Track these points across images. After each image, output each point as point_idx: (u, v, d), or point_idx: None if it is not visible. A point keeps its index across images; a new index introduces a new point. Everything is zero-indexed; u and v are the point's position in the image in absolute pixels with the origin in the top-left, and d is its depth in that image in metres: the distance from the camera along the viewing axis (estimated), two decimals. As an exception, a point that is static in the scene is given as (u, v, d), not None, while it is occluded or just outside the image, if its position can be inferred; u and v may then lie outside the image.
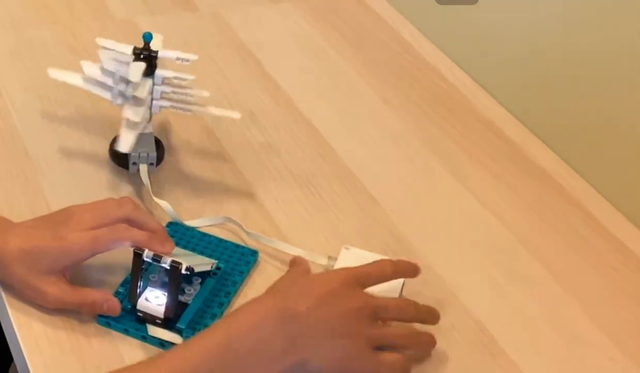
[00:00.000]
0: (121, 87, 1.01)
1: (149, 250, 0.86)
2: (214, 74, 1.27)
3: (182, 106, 1.04)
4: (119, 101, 1.02)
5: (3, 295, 0.89)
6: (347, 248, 0.96)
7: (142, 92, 1.00)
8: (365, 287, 0.86)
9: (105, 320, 0.86)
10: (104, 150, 1.09)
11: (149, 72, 1.02)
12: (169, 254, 0.87)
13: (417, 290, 0.96)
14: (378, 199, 1.08)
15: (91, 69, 1.04)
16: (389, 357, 0.83)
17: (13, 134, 1.10)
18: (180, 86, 1.03)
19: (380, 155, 1.17)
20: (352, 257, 0.94)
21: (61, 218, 0.89)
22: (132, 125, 1.00)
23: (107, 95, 1.03)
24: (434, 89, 1.32)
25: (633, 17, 1.09)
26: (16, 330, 0.86)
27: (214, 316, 0.88)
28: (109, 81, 1.03)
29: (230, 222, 1.00)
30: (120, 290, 0.90)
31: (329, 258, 0.96)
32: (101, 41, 1.04)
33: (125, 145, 0.99)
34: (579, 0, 1.17)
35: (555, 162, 1.20)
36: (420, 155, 1.18)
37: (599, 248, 1.07)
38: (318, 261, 0.96)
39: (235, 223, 1.00)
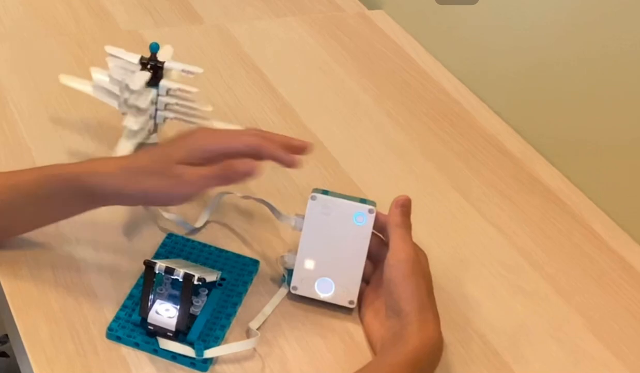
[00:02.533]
0: (126, 95, 1.02)
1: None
2: (218, 86, 1.28)
3: (186, 118, 1.05)
4: (124, 109, 1.03)
5: (9, 301, 0.89)
6: (314, 199, 0.94)
7: (144, 102, 1.01)
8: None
9: (115, 334, 0.87)
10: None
11: (154, 82, 1.02)
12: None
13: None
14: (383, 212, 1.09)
15: (100, 77, 1.04)
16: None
17: (20, 142, 1.10)
18: (184, 98, 1.04)
19: (384, 169, 1.18)
20: (319, 211, 0.93)
21: None
22: (130, 134, 1.01)
23: (114, 103, 1.04)
24: (437, 104, 1.32)
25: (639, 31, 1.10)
26: (22, 337, 0.86)
27: (223, 328, 0.89)
28: (116, 89, 1.03)
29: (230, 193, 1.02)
30: (127, 303, 0.90)
31: (297, 215, 0.95)
32: (109, 49, 1.04)
33: (122, 153, 1.00)
34: (582, 16, 1.17)
35: (559, 179, 1.20)
36: (424, 170, 1.19)
37: (602, 264, 1.08)
38: (286, 221, 0.96)
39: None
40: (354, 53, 1.42)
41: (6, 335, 1.28)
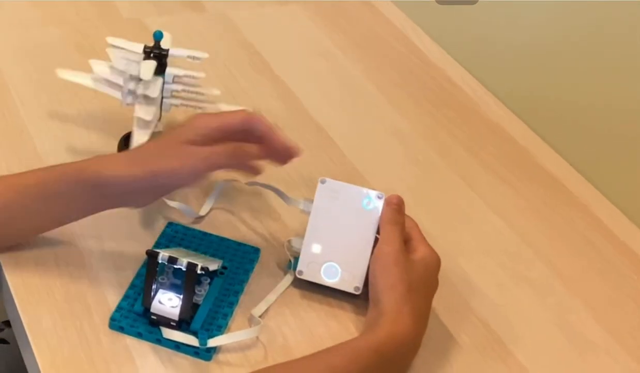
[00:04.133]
0: (131, 86, 1.01)
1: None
2: (221, 74, 1.27)
3: (193, 103, 1.05)
4: (129, 100, 1.02)
5: (12, 291, 0.89)
6: (323, 182, 0.95)
7: (154, 91, 1.00)
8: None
9: (118, 325, 0.86)
10: (112, 148, 1.09)
11: (160, 70, 1.02)
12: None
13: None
14: (386, 201, 1.08)
15: (100, 68, 1.04)
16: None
17: (22, 132, 1.10)
18: (190, 84, 1.03)
19: (387, 157, 1.17)
20: (328, 195, 0.94)
21: None
22: (144, 124, 1.00)
23: (117, 94, 1.03)
24: (441, 91, 1.32)
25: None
26: (25, 326, 0.86)
27: (225, 316, 0.88)
28: (119, 80, 1.03)
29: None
30: (130, 293, 0.90)
31: (305, 199, 0.96)
32: (111, 40, 1.04)
33: (138, 144, 0.99)
34: (586, 4, 1.17)
35: (563, 166, 1.20)
36: (427, 157, 1.18)
37: (606, 252, 1.07)
38: (296, 204, 0.97)
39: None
40: (358, 41, 1.41)
41: (5, 322, 1.28)
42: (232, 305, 0.90)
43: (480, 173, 1.17)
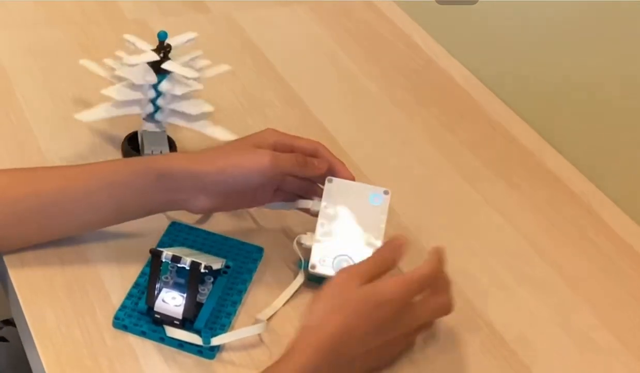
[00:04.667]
0: (150, 95, 1.01)
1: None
2: (225, 75, 1.27)
3: (177, 104, 1.04)
4: (149, 108, 1.02)
5: (16, 289, 0.89)
6: (330, 181, 0.96)
7: (136, 76, 0.99)
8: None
9: (122, 323, 0.87)
10: (117, 149, 1.09)
11: (159, 69, 1.01)
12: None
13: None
14: (390, 202, 1.08)
15: (118, 92, 1.02)
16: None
17: (27, 133, 1.10)
18: (183, 85, 1.02)
19: (391, 158, 1.18)
20: (336, 193, 0.95)
21: None
22: (201, 116, 1.02)
23: (135, 110, 1.03)
24: (445, 93, 1.32)
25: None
26: (29, 325, 0.86)
27: (229, 315, 0.89)
28: (137, 95, 1.01)
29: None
30: (133, 291, 0.90)
31: (313, 199, 0.97)
32: (129, 37, 1.03)
33: (85, 115, 1.01)
34: (589, 7, 1.17)
35: (566, 166, 1.20)
36: (431, 158, 1.18)
37: (609, 252, 1.07)
38: (304, 205, 0.97)
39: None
40: (362, 42, 1.41)
41: (5, 321, 1.28)
42: (235, 304, 0.91)
43: (484, 173, 1.17)
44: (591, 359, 0.93)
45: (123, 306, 0.88)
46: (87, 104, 1.15)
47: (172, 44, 1.02)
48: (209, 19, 1.42)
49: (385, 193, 0.95)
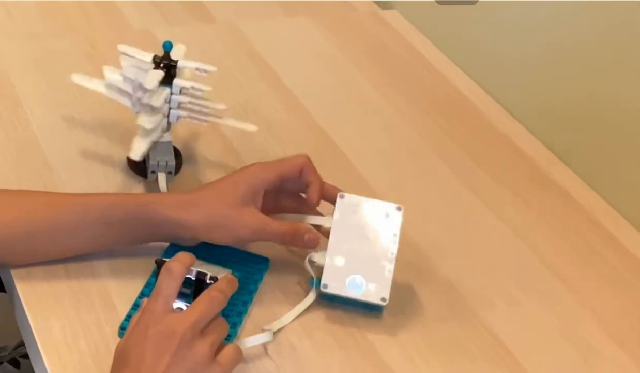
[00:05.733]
0: (139, 94, 1.02)
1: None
2: (231, 85, 1.28)
3: (198, 116, 1.05)
4: (137, 108, 1.02)
5: (23, 301, 0.89)
6: (342, 196, 0.95)
7: (157, 101, 1.00)
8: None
9: None
10: (122, 158, 1.09)
11: (168, 81, 1.02)
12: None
13: (433, 302, 0.96)
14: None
15: (113, 76, 1.04)
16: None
17: (32, 142, 1.11)
18: (197, 97, 1.04)
19: (396, 167, 1.18)
20: (348, 209, 0.94)
21: None
22: (144, 133, 1.01)
23: (127, 102, 1.03)
24: (450, 103, 1.32)
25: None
26: (35, 335, 0.86)
27: (234, 325, 0.89)
28: (130, 88, 1.03)
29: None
30: (139, 302, 0.90)
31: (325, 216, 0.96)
32: (122, 47, 1.04)
33: (136, 152, 1.00)
34: (597, 16, 1.17)
35: (571, 178, 1.20)
36: (436, 168, 1.18)
37: (614, 263, 1.07)
38: (316, 222, 0.96)
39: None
40: (367, 52, 1.41)
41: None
42: (241, 314, 0.91)
43: (489, 183, 1.17)
44: (595, 369, 0.93)
45: (128, 317, 0.88)
46: (92, 115, 1.16)
47: (181, 65, 1.03)
48: (214, 29, 1.42)
49: (398, 209, 0.94)
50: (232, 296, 0.91)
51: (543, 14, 1.25)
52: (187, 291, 0.87)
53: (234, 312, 0.90)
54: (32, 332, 0.87)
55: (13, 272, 0.92)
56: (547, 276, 1.04)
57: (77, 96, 1.19)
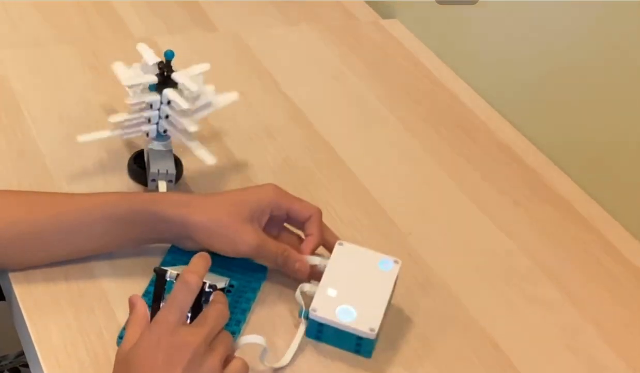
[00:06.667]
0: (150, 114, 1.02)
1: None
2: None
3: (175, 132, 1.04)
4: (152, 129, 1.03)
5: (21, 306, 0.89)
6: (341, 244, 0.95)
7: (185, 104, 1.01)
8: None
9: None
10: (122, 167, 1.09)
11: (160, 88, 1.02)
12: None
13: (435, 312, 0.96)
14: (396, 222, 1.09)
15: (123, 116, 1.03)
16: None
17: (34, 150, 1.11)
18: (176, 112, 1.02)
19: (398, 178, 1.18)
20: (345, 255, 0.94)
21: None
22: (189, 136, 1.02)
23: (146, 128, 1.03)
24: (451, 113, 1.32)
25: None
26: (35, 344, 0.86)
27: (233, 334, 0.88)
28: (147, 114, 1.02)
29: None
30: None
31: (321, 257, 0.95)
32: (127, 82, 1.02)
33: (209, 157, 1.03)
34: (599, 26, 1.17)
35: (573, 188, 1.20)
36: (438, 179, 1.18)
37: (616, 274, 1.07)
38: (311, 261, 0.94)
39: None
40: (368, 61, 1.41)
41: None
42: (239, 323, 0.90)
43: (491, 194, 1.17)
44: (598, 381, 0.93)
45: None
46: (93, 121, 1.16)
47: (174, 76, 1.02)
48: (216, 38, 1.42)
49: (396, 262, 0.93)
50: (231, 305, 0.91)
51: (546, 23, 1.25)
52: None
53: (232, 320, 0.90)
54: (31, 340, 0.86)
55: (11, 276, 0.92)
56: (549, 287, 1.03)
57: (78, 103, 1.19)
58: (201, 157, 1.05)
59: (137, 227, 0.92)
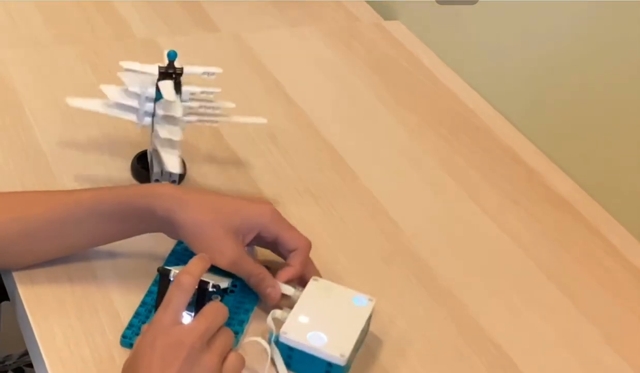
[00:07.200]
0: (147, 107, 1.02)
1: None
2: (234, 94, 1.26)
3: (209, 118, 1.05)
4: (146, 121, 1.02)
5: (26, 307, 0.89)
6: (315, 280, 0.93)
7: (178, 111, 1.00)
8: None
9: (129, 342, 0.86)
10: (126, 167, 1.09)
11: (176, 89, 1.02)
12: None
13: (436, 312, 0.96)
14: (399, 223, 1.09)
15: (113, 93, 1.03)
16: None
17: (36, 151, 1.11)
18: (207, 100, 1.04)
19: (400, 179, 1.18)
20: (319, 289, 0.92)
21: None
22: (170, 144, 1.01)
23: (131, 116, 1.03)
24: (453, 114, 1.32)
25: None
26: (39, 342, 0.86)
27: (236, 334, 0.88)
28: (133, 103, 1.02)
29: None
30: (140, 310, 0.90)
31: (295, 288, 0.93)
32: (125, 64, 1.03)
33: (174, 165, 1.01)
34: (600, 27, 1.17)
35: (575, 190, 1.20)
36: (439, 180, 1.18)
37: (618, 276, 1.07)
38: (284, 291, 0.93)
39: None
40: (370, 63, 1.42)
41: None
42: (242, 322, 0.91)
43: (492, 195, 1.17)
44: (600, 382, 0.93)
45: (130, 325, 0.88)
46: (95, 121, 1.16)
47: (188, 71, 1.03)
48: (218, 39, 1.42)
49: (370, 300, 0.91)
50: (234, 305, 0.92)
51: (546, 23, 1.26)
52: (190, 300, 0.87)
53: (235, 320, 0.90)
54: (35, 340, 0.86)
55: (15, 276, 0.92)
56: (551, 289, 1.04)
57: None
58: (252, 122, 1.09)
59: (126, 221, 0.92)
